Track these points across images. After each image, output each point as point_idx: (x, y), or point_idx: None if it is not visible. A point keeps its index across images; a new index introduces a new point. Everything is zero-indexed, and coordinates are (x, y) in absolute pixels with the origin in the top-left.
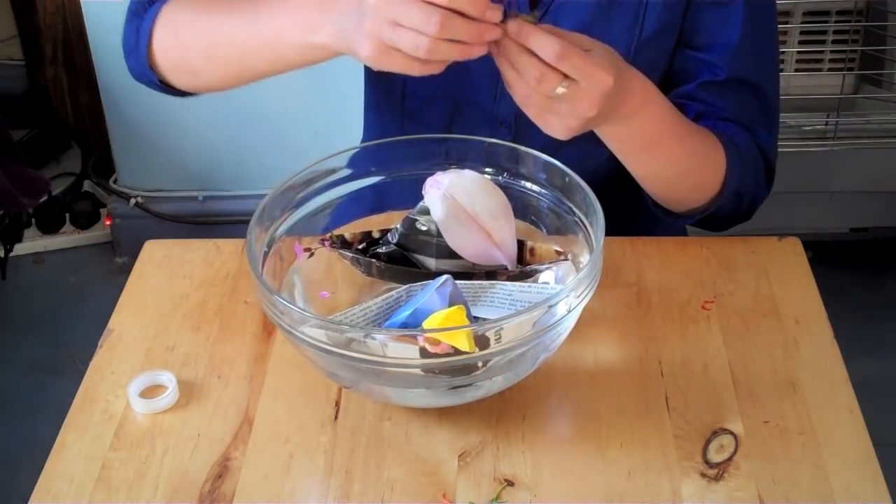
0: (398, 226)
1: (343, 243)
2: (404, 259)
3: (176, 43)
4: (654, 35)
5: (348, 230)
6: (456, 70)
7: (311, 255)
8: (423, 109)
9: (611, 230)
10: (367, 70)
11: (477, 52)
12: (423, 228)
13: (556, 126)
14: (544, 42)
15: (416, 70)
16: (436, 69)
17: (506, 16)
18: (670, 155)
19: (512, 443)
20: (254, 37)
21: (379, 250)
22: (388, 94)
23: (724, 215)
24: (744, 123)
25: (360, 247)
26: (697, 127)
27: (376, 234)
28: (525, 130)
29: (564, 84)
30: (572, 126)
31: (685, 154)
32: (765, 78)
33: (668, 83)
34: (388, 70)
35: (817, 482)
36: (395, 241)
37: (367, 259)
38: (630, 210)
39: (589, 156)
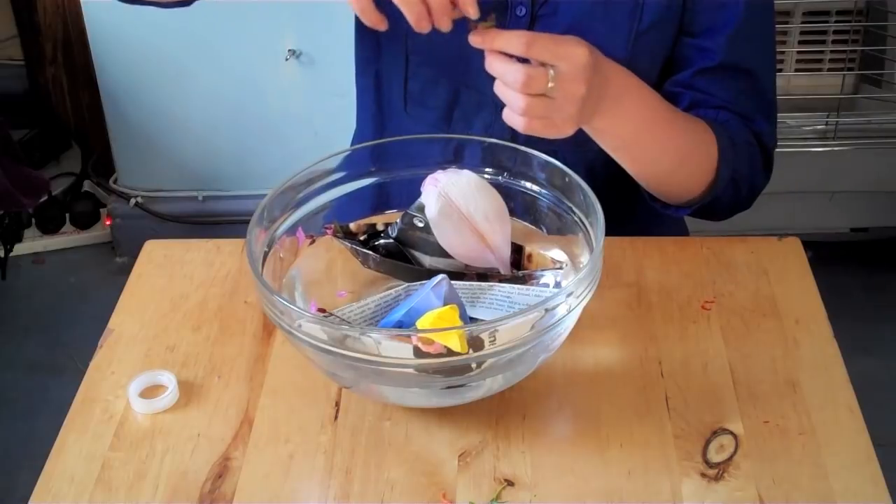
0: (398, 221)
1: (346, 233)
2: (401, 254)
3: None
4: (652, 25)
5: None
6: (457, 55)
7: (312, 241)
8: (424, 93)
9: (610, 226)
10: (367, 49)
11: (424, 25)
12: (420, 225)
13: (560, 122)
14: (510, 38)
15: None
16: (377, 20)
17: (468, 31)
18: (662, 143)
19: (512, 443)
20: None
21: (378, 243)
22: (388, 75)
23: (722, 204)
24: (738, 111)
25: (361, 238)
26: (686, 114)
27: (380, 227)
28: None
29: (550, 74)
30: (571, 113)
31: (677, 142)
32: (760, 64)
33: (666, 73)
34: None
35: (817, 482)
36: (393, 235)
37: (366, 251)
38: (628, 204)
39: (587, 144)
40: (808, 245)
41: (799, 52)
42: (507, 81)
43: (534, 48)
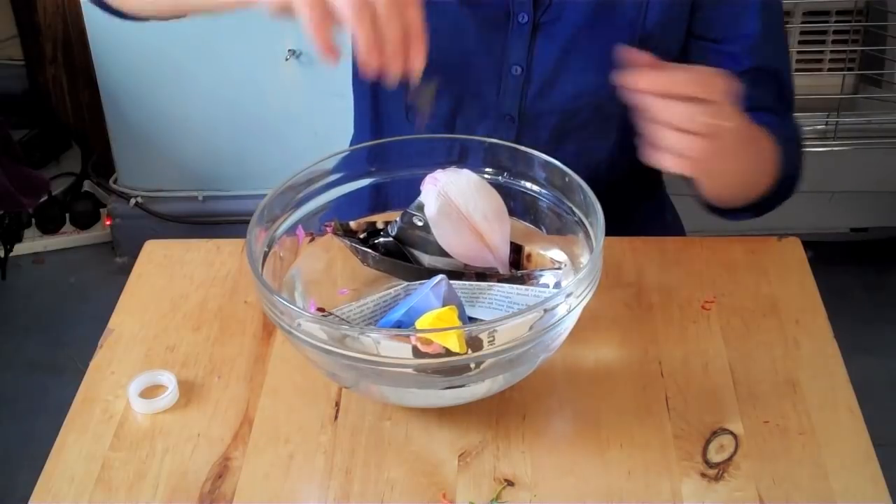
0: (398, 219)
1: (346, 231)
2: (400, 253)
3: None
4: (655, 30)
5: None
6: (460, 63)
7: (312, 239)
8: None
9: (610, 227)
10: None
11: (373, 58)
12: (419, 224)
13: (714, 154)
14: (677, 75)
15: (315, 27)
16: (333, 53)
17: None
18: (747, 162)
19: (512, 443)
20: None
21: (377, 241)
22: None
23: (773, 203)
24: (768, 108)
25: (361, 236)
26: (761, 126)
27: (380, 225)
28: (529, 124)
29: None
30: (725, 145)
31: (761, 151)
32: (782, 63)
33: None
34: (287, 13)
35: (817, 482)
36: (393, 233)
37: (365, 249)
38: (630, 205)
39: (590, 150)
40: (808, 245)
41: (799, 52)
42: (684, 122)
43: (700, 85)
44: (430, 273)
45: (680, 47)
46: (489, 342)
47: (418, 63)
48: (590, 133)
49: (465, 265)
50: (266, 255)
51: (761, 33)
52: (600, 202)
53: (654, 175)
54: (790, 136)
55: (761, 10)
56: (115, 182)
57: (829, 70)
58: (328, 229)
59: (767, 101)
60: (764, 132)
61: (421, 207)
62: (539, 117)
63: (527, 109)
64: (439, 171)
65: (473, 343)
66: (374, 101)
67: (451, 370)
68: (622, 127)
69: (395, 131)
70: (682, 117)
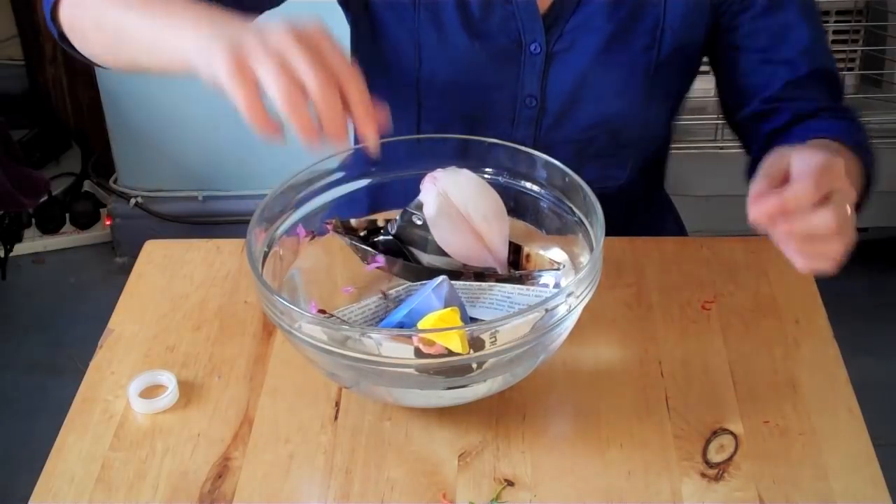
0: (397, 218)
1: (347, 229)
2: (400, 251)
3: (77, 9)
4: (672, 55)
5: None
6: (474, 96)
7: (313, 238)
8: (438, 131)
9: (610, 226)
10: (374, 87)
11: (314, 138)
12: (418, 223)
13: (852, 227)
14: (799, 188)
15: (247, 107)
16: (275, 132)
17: None
18: (854, 176)
19: (512, 443)
20: (138, 22)
21: (377, 240)
22: (403, 109)
23: (863, 201)
24: (831, 108)
25: (362, 234)
26: (851, 156)
27: (381, 224)
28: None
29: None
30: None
31: (855, 178)
32: (832, 62)
33: (739, 92)
34: (213, 79)
35: (817, 482)
36: (393, 232)
37: (365, 247)
38: (632, 208)
39: (606, 177)
40: None
41: None
42: (820, 231)
43: (823, 185)
44: (430, 272)
45: (697, 66)
46: (491, 342)
47: (373, 137)
48: (605, 160)
49: (464, 265)
50: (266, 255)
51: (811, 35)
52: (609, 213)
53: (658, 179)
54: (862, 137)
55: (806, 12)
56: (115, 182)
57: None
58: (329, 227)
59: (827, 100)
60: (849, 155)
61: (420, 206)
62: (554, 147)
63: (541, 140)
64: (439, 170)
65: (475, 343)
66: (419, 111)
67: (453, 371)
68: (637, 153)
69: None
70: (810, 229)
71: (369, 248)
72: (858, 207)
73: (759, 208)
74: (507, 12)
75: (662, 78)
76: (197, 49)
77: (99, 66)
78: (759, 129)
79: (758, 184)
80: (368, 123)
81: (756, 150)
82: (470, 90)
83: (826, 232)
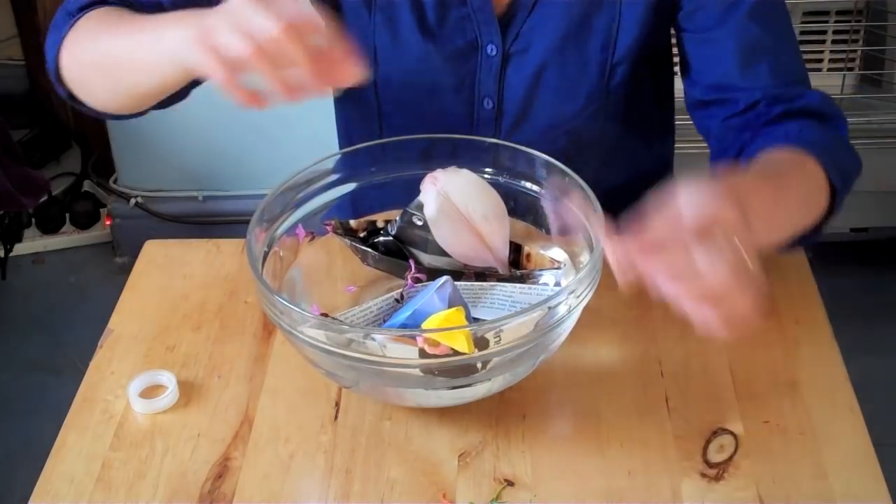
0: (397, 218)
1: (347, 230)
2: (400, 252)
3: (74, 58)
4: (629, 51)
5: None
6: (431, 99)
7: (312, 239)
8: (399, 135)
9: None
10: (340, 100)
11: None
12: (419, 223)
13: (756, 280)
14: (662, 226)
15: (222, 79)
16: (255, 100)
17: None
18: (788, 211)
19: (512, 443)
20: (129, 45)
21: (377, 241)
22: (364, 114)
23: (843, 195)
24: (784, 93)
25: (362, 235)
26: (782, 161)
27: (381, 224)
28: None
29: (719, 243)
30: (755, 261)
31: (797, 199)
32: (780, 41)
33: (687, 77)
34: (193, 66)
35: (817, 482)
36: (393, 232)
37: (365, 248)
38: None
39: (603, 179)
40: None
41: None
42: (697, 276)
43: (691, 233)
44: (430, 272)
45: (664, 67)
46: (495, 342)
47: (350, 76)
48: (568, 162)
49: (465, 265)
50: (266, 255)
51: (747, 13)
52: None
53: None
54: (824, 133)
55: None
56: (115, 182)
57: (829, 70)
58: (328, 228)
59: (771, 83)
60: (794, 155)
61: (420, 207)
62: None
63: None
64: (439, 170)
65: (480, 343)
66: (349, 140)
67: (458, 371)
68: (601, 153)
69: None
70: (701, 274)
71: (369, 249)
72: (830, 214)
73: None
74: (463, 14)
75: (619, 77)
76: (183, 44)
77: (111, 115)
78: (710, 120)
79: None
80: (346, 64)
81: (713, 143)
82: (427, 93)
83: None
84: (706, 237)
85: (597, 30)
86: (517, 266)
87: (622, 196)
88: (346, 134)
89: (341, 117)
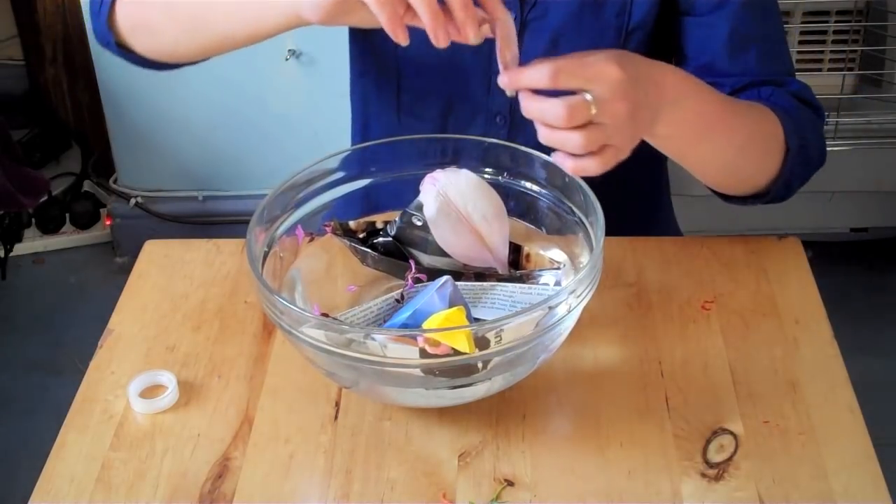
0: (397, 219)
1: (346, 231)
2: (400, 252)
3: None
4: (644, 20)
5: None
6: (448, 65)
7: (312, 239)
8: (417, 104)
9: (609, 226)
10: (359, 63)
11: (443, 37)
12: (419, 224)
13: (620, 144)
14: (534, 73)
15: (392, 24)
16: (403, 36)
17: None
18: (728, 136)
19: (512, 443)
20: None
21: (377, 241)
22: (380, 88)
23: (798, 175)
24: (769, 80)
25: (361, 236)
26: (743, 101)
27: (380, 225)
28: (521, 122)
29: (588, 99)
30: (627, 132)
31: (742, 131)
32: (769, 29)
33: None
34: (336, 21)
35: (817, 482)
36: (392, 233)
37: (364, 249)
38: (631, 208)
39: None
40: (808, 245)
41: (799, 52)
42: (549, 120)
43: (560, 78)
44: (430, 273)
45: (663, 40)
46: (496, 341)
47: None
48: None
49: (465, 265)
50: (266, 255)
51: (742, 2)
52: (601, 202)
53: (655, 174)
54: (796, 105)
55: None
56: (115, 182)
57: (829, 70)
58: (328, 229)
59: (757, 70)
60: (755, 106)
61: (420, 207)
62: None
63: (517, 108)
64: (438, 171)
65: (481, 342)
66: (365, 106)
67: (459, 371)
68: None
69: (386, 135)
70: (557, 112)
71: (368, 250)
72: (790, 182)
73: (501, 76)
74: None
75: (633, 45)
76: None
77: (165, 63)
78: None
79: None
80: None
81: None
82: (445, 57)
83: (555, 121)
84: (563, 77)
85: None
86: (517, 266)
87: (622, 171)
88: (362, 108)
89: (357, 90)
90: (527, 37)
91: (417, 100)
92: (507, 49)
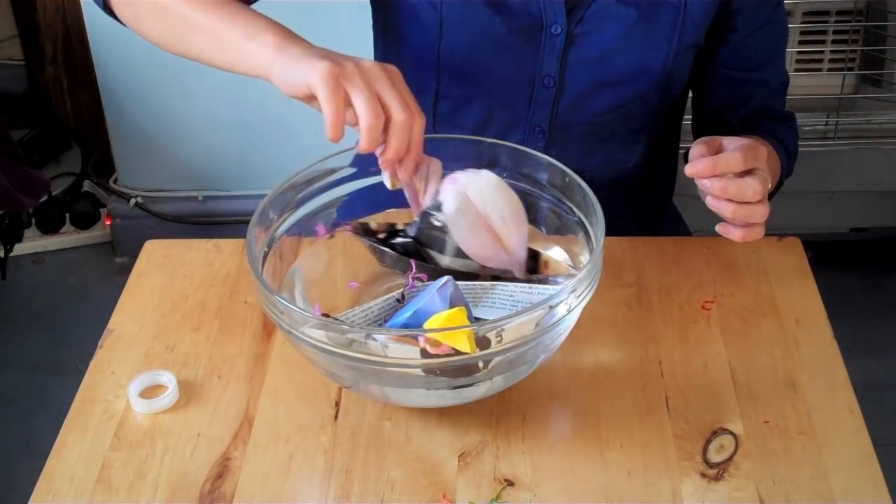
0: (417, 219)
1: (366, 231)
2: (418, 253)
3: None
4: (689, 48)
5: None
6: (491, 73)
7: (332, 236)
8: (455, 112)
9: (610, 227)
10: (396, 56)
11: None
12: (438, 224)
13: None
14: (728, 158)
15: (334, 118)
16: (339, 136)
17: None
18: (772, 164)
19: (512, 443)
20: (209, 23)
21: (396, 241)
22: (421, 87)
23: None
24: (780, 116)
25: (381, 236)
26: (769, 145)
27: (400, 226)
28: (558, 135)
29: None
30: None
31: (772, 161)
32: (787, 74)
33: (718, 94)
34: (297, 96)
35: (817, 482)
36: (412, 234)
37: (383, 248)
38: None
39: (617, 160)
40: (808, 245)
41: (799, 53)
42: (748, 196)
43: (748, 159)
44: (439, 274)
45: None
46: (497, 341)
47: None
48: (618, 143)
49: (482, 267)
50: (266, 255)
51: (781, 51)
52: (622, 204)
53: (669, 181)
54: (793, 143)
55: (782, 32)
56: (115, 182)
57: (829, 70)
58: (348, 229)
59: (777, 106)
60: (775, 150)
61: (439, 206)
62: (569, 129)
63: (558, 121)
64: (459, 171)
65: (482, 342)
66: (437, 93)
67: (460, 371)
68: (649, 137)
69: (451, 125)
70: (755, 188)
71: (387, 250)
72: (769, 197)
73: (696, 165)
74: None
75: (678, 68)
76: (290, 59)
77: (141, 36)
78: (725, 117)
79: (696, 148)
80: (410, 163)
81: (698, 125)
82: (488, 67)
83: (753, 196)
84: (749, 161)
85: (665, 20)
86: (534, 272)
87: (638, 175)
88: None
89: None
90: (572, 52)
91: (456, 108)
92: (431, 185)
